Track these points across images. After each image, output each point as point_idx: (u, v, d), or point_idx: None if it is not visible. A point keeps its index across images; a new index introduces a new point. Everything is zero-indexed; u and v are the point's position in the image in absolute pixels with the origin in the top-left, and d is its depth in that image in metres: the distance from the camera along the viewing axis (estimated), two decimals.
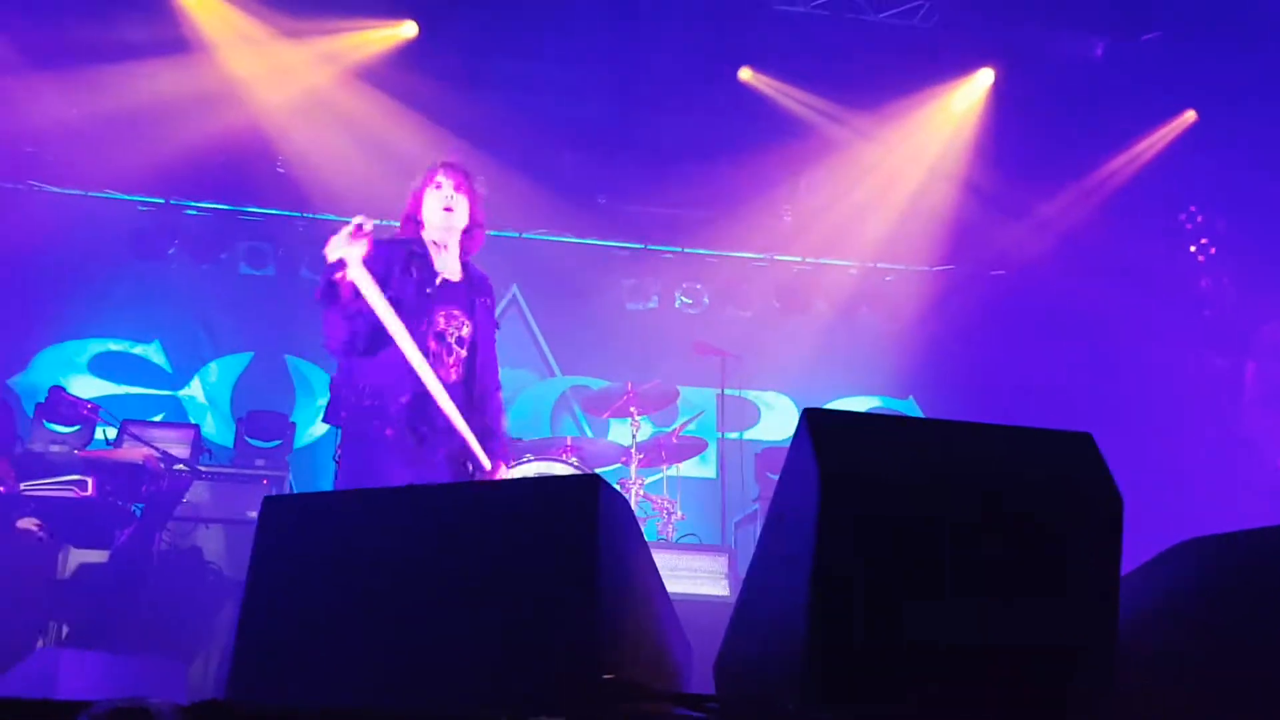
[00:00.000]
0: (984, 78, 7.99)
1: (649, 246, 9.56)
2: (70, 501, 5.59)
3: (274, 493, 6.64)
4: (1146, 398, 8.12)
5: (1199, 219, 8.60)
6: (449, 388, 3.80)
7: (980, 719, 1.90)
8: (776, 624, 1.99)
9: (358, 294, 3.67)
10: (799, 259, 9.62)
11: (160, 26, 7.24)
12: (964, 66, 7.96)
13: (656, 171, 8.72)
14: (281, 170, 8.42)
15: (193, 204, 8.88)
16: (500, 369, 4.15)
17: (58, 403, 6.17)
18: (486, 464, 3.86)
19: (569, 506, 2.06)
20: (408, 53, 7.63)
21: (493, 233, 4.62)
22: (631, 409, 6.99)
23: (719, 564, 6.11)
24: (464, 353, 3.95)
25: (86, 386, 8.31)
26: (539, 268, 9.09)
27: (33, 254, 8.17)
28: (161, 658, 5.34)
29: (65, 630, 5.63)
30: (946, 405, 9.23)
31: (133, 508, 5.88)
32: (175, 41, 7.30)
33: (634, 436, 6.94)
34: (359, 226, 3.65)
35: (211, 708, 1.57)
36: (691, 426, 7.30)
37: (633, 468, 6.80)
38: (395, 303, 3.76)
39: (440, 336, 3.88)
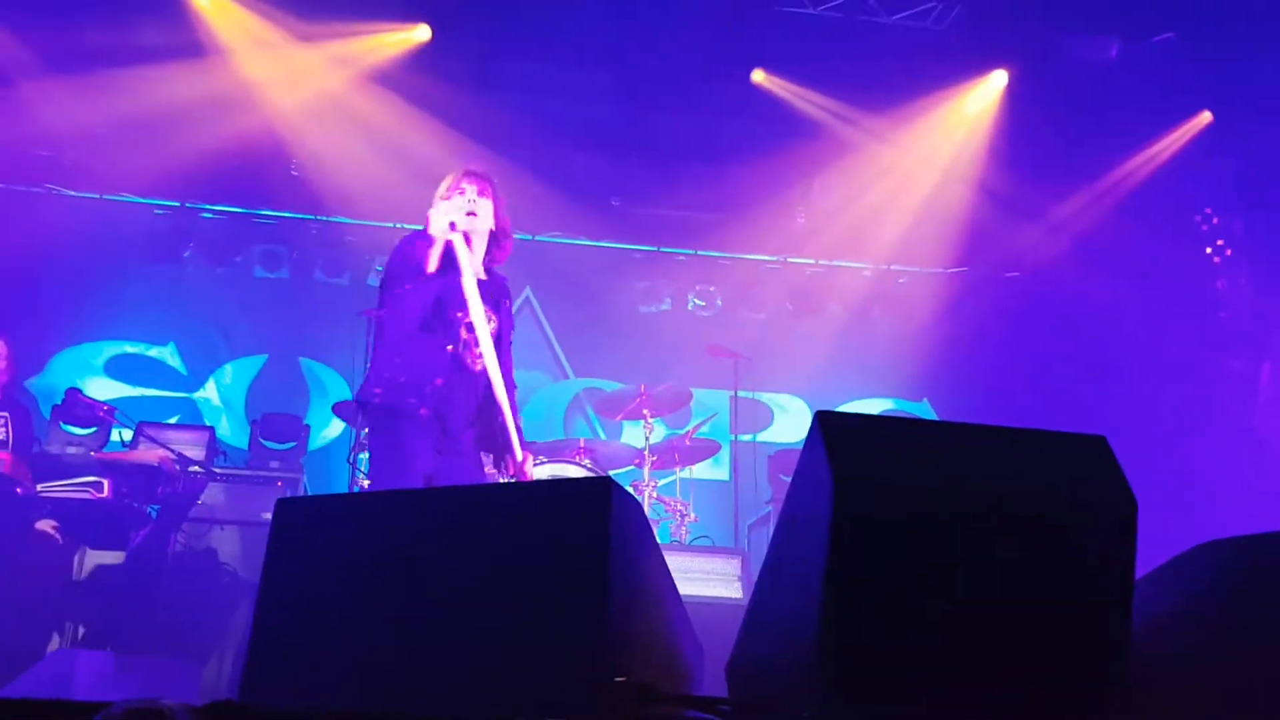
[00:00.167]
0: (997, 79, 7.97)
1: (662, 249, 9.56)
2: (86, 503, 5.63)
3: (288, 495, 6.67)
4: (1161, 400, 8.07)
5: (1215, 221, 8.55)
6: (475, 377, 4.00)
7: None
8: (789, 626, 1.99)
9: (444, 271, 3.93)
10: (812, 261, 9.61)
11: (175, 31, 7.28)
12: (977, 68, 7.94)
13: (670, 174, 8.73)
14: (295, 173, 8.45)
15: (208, 207, 8.92)
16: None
17: (74, 404, 6.21)
18: (520, 455, 4.02)
19: (581, 509, 2.06)
20: (421, 56, 7.65)
21: None
22: (645, 411, 6.99)
23: (732, 566, 6.10)
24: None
25: (102, 388, 8.35)
26: (552, 270, 9.10)
27: (49, 257, 8.22)
28: (176, 658, 5.36)
29: (81, 631, 5.66)
30: (961, 407, 9.20)
31: (148, 509, 5.92)
32: (190, 46, 7.34)
33: (647, 438, 6.94)
34: (453, 224, 3.95)
35: (225, 708, 1.57)
36: (704, 429, 7.30)
37: (646, 470, 6.80)
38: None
39: (470, 328, 4.03)
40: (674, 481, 7.28)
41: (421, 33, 7.58)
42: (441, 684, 2.02)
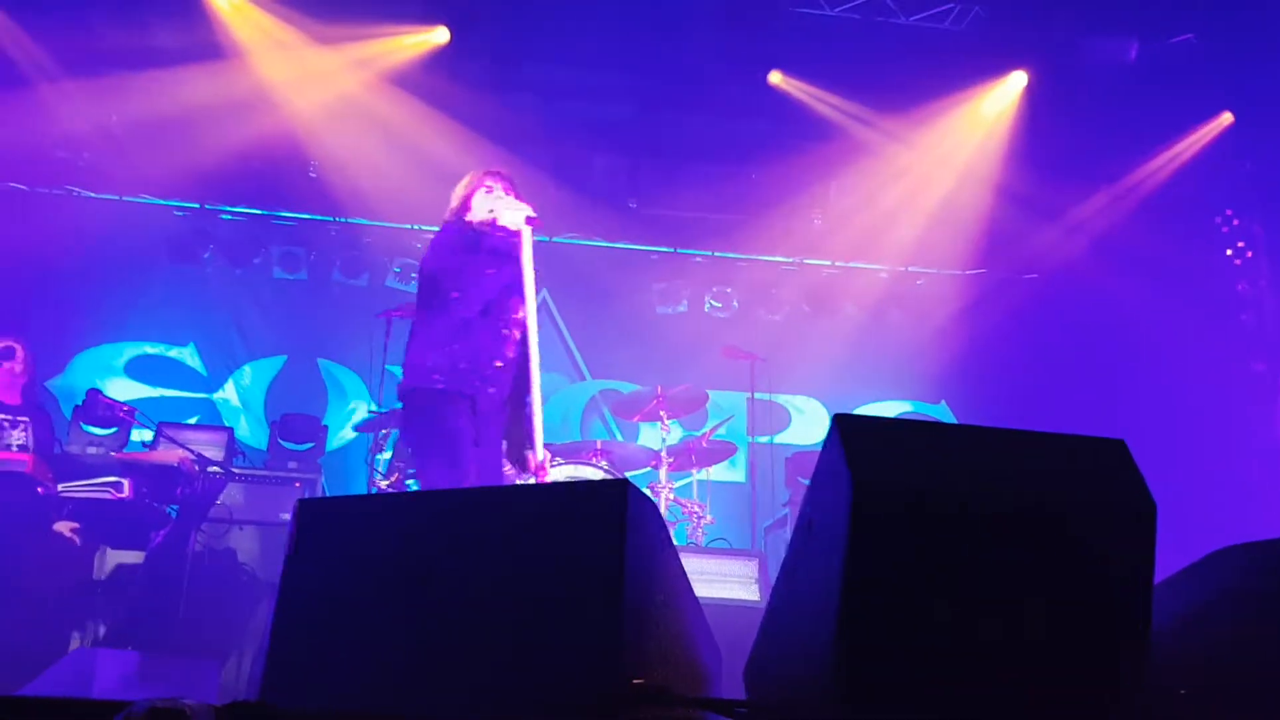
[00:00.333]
0: (1016, 81, 7.94)
1: (679, 250, 9.56)
2: (107, 503, 5.67)
3: (306, 495, 6.70)
4: (1181, 403, 8.02)
5: (1235, 223, 8.50)
6: (515, 364, 4.18)
7: None
8: (807, 629, 1.99)
9: (515, 260, 4.10)
10: (829, 262, 9.59)
11: (194, 33, 7.33)
12: (996, 69, 7.91)
13: (686, 175, 8.73)
14: (314, 175, 8.49)
15: (227, 209, 8.97)
16: None
17: (95, 405, 6.24)
18: (540, 454, 4.14)
19: (597, 511, 2.07)
20: (439, 58, 7.68)
21: None
22: (661, 413, 7.00)
23: (749, 568, 6.09)
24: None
25: (123, 389, 8.41)
26: (569, 271, 9.11)
27: (70, 258, 8.27)
28: (195, 657, 5.39)
29: (101, 630, 5.70)
30: (979, 410, 9.17)
31: (168, 509, 5.95)
32: (209, 48, 7.38)
33: (664, 440, 6.94)
34: (529, 219, 4.11)
35: (246, 708, 1.58)
36: (721, 430, 7.30)
37: (662, 471, 6.79)
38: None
39: (521, 320, 4.24)
40: (690, 483, 7.28)
41: (440, 35, 7.61)
42: (459, 685, 2.03)
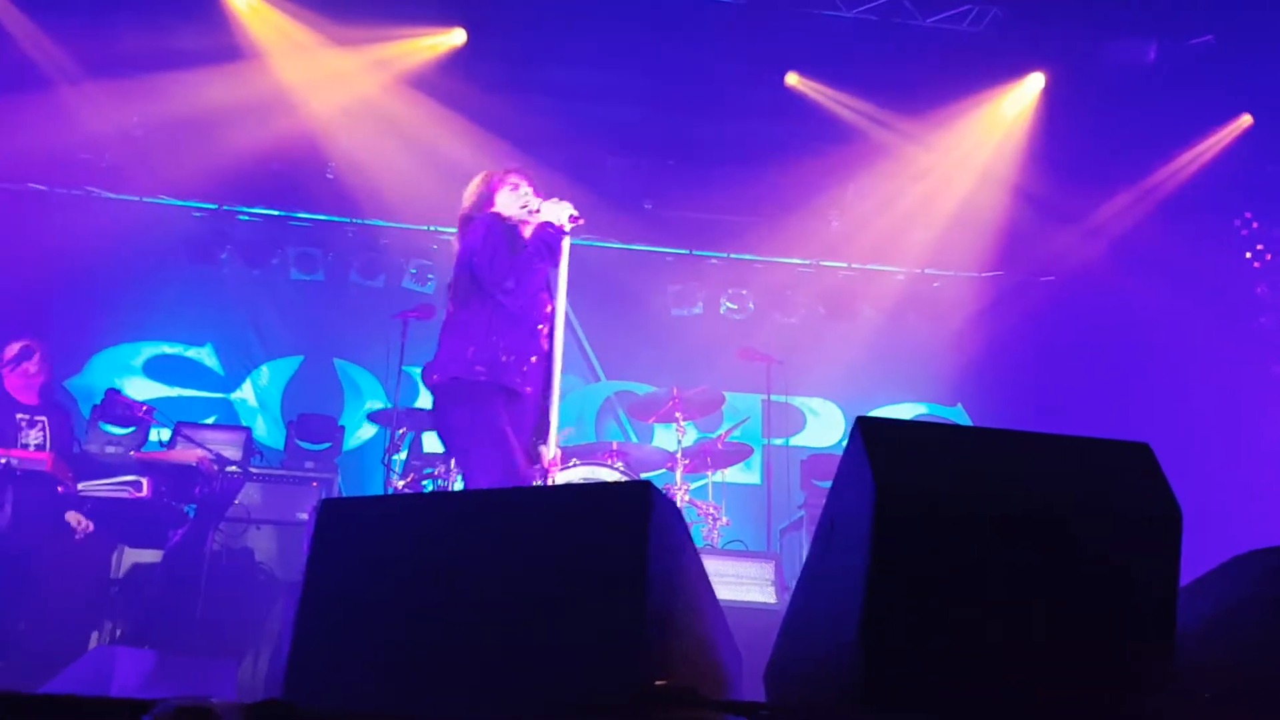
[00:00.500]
0: (1034, 82, 7.91)
1: (695, 252, 9.56)
2: (126, 502, 5.70)
3: (323, 495, 6.73)
4: (1200, 406, 7.98)
5: (1255, 225, 8.46)
6: (543, 360, 4.22)
7: None
8: (829, 631, 1.98)
9: (557, 257, 4.22)
10: (845, 265, 9.57)
11: (213, 35, 7.36)
12: (1014, 71, 7.88)
13: (702, 177, 8.72)
14: (331, 177, 8.52)
15: (245, 210, 9.01)
16: None
17: (113, 404, 6.28)
18: (553, 450, 4.18)
19: (621, 512, 2.07)
20: (456, 60, 7.69)
21: None
22: (677, 414, 6.99)
23: (766, 570, 6.08)
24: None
25: (141, 389, 8.45)
26: (584, 273, 9.05)
27: (89, 259, 8.32)
28: (213, 656, 5.41)
29: (119, 628, 5.73)
30: (995, 413, 9.14)
31: (186, 508, 5.98)
32: (228, 50, 7.41)
33: (679, 442, 6.93)
34: (573, 217, 4.22)
35: (273, 708, 1.59)
36: (737, 432, 7.29)
37: (678, 473, 6.79)
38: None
39: (551, 316, 4.33)
40: (706, 485, 7.28)
41: (456, 36, 7.62)
42: (481, 685, 2.03)
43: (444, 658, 2.08)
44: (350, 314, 9.01)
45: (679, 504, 6.64)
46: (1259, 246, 8.44)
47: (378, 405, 8.61)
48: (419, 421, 6.85)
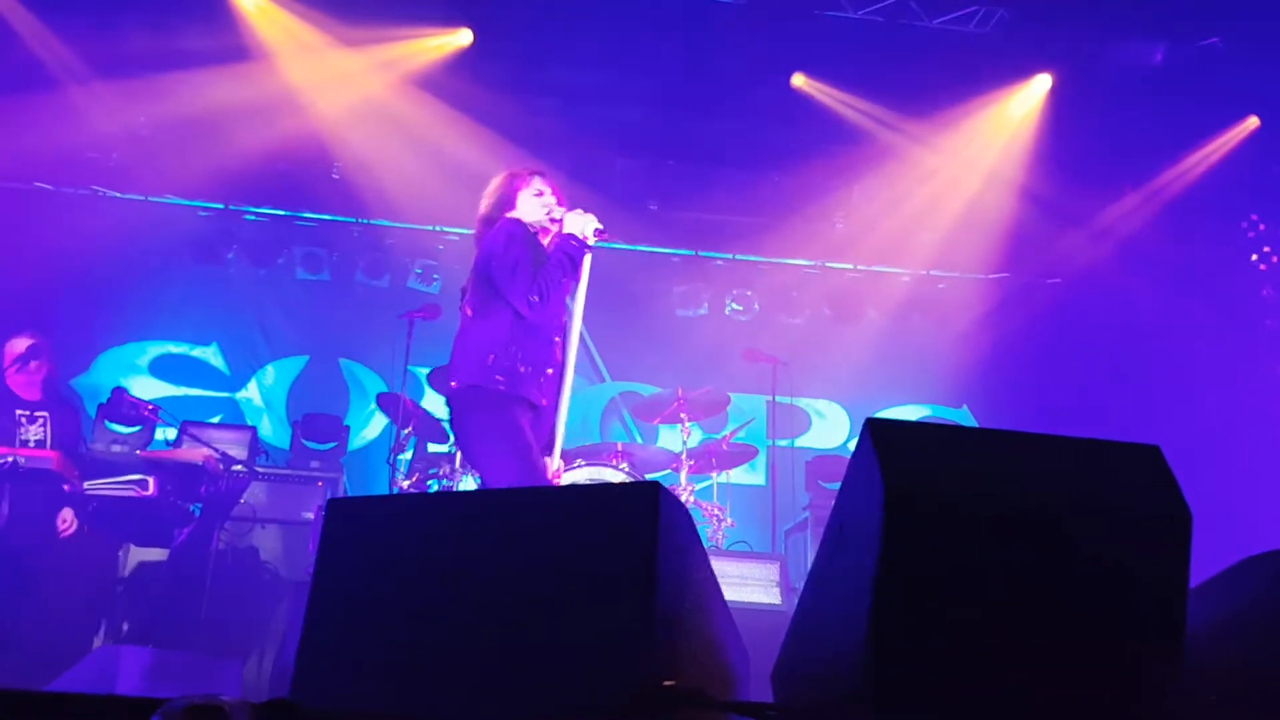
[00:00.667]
0: (1041, 83, 7.90)
1: (700, 253, 9.55)
2: (132, 500, 5.70)
3: (329, 495, 6.74)
4: (1205, 408, 7.97)
5: (1261, 228, 8.44)
6: (558, 371, 4.16)
7: None
8: (838, 633, 1.98)
9: (579, 270, 4.18)
10: (851, 266, 9.56)
11: (220, 35, 7.37)
12: (1021, 72, 7.88)
13: (708, 178, 8.72)
14: (337, 177, 8.53)
15: (251, 209, 9.02)
16: None
17: (119, 403, 6.29)
18: (556, 462, 4.10)
19: (630, 513, 2.07)
20: (462, 60, 7.70)
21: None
22: (682, 415, 6.99)
23: (770, 572, 6.08)
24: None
25: (147, 388, 8.46)
26: (589, 273, 9.10)
27: (95, 258, 8.33)
28: (218, 655, 5.42)
29: (125, 627, 5.74)
30: (1001, 415, 9.13)
31: (192, 507, 5.99)
32: (235, 50, 7.43)
33: (684, 443, 6.93)
34: (599, 231, 4.17)
35: (282, 707, 1.59)
36: (741, 433, 7.28)
37: (683, 474, 6.79)
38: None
39: (565, 327, 4.27)
40: (711, 486, 7.27)
41: (463, 37, 7.63)
42: (489, 685, 2.03)
43: (451, 658, 2.08)
44: (356, 314, 9.01)
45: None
46: (1265, 249, 8.43)
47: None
48: (424, 421, 6.86)
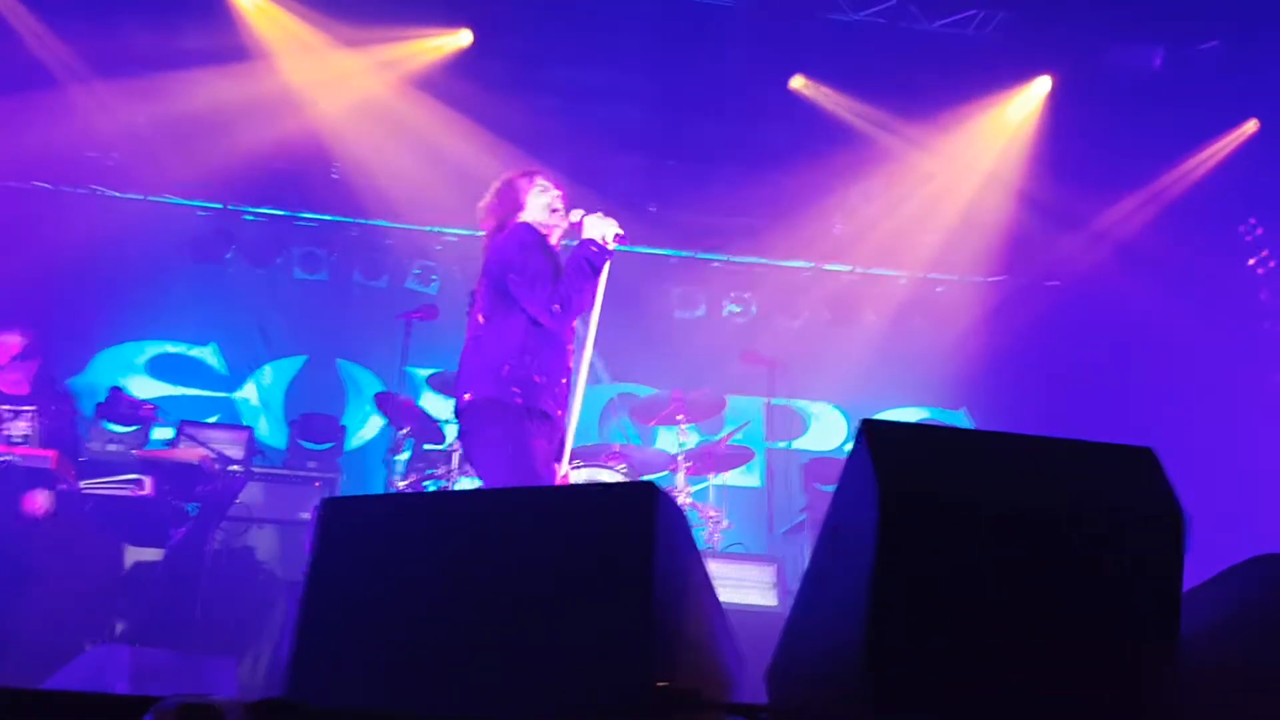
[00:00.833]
0: (1040, 86, 7.90)
1: (698, 255, 9.56)
2: (128, 500, 5.70)
3: (325, 494, 6.73)
4: (1202, 412, 7.97)
5: (1259, 231, 8.45)
6: (572, 380, 4.08)
7: None
8: (833, 635, 1.98)
9: (598, 277, 4.03)
10: (849, 268, 9.57)
11: (220, 35, 7.37)
12: (1020, 75, 7.88)
13: (707, 179, 8.73)
14: (336, 177, 8.54)
15: (250, 209, 9.03)
16: None
17: (117, 403, 6.29)
18: (565, 467, 4.02)
19: (626, 514, 2.07)
20: (462, 60, 7.69)
21: None
22: (679, 417, 6.99)
23: (767, 574, 6.08)
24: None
25: (144, 387, 8.47)
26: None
27: (93, 257, 8.33)
28: (213, 655, 5.42)
29: (120, 626, 5.73)
30: (998, 417, 9.13)
31: (188, 507, 5.98)
32: (235, 50, 7.43)
33: (681, 444, 6.93)
34: (619, 237, 4.03)
35: (276, 705, 1.59)
36: (739, 435, 7.28)
37: (679, 475, 6.79)
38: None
39: (570, 335, 4.15)
40: (707, 488, 7.27)
41: (463, 37, 7.63)
42: (484, 685, 2.03)
43: (445, 658, 2.07)
44: (353, 314, 9.02)
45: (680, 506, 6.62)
46: (1264, 253, 8.43)
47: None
48: (421, 421, 6.85)
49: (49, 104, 7.52)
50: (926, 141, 8.18)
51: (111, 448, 6.51)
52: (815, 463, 7.98)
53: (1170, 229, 8.29)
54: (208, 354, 8.90)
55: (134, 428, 6.54)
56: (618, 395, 9.28)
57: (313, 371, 9.01)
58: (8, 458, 5.36)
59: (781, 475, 8.07)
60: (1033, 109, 8.03)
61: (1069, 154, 8.14)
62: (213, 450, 6.06)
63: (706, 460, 7.11)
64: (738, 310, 9.59)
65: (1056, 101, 7.92)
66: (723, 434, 7.40)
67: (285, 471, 7.02)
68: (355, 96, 7.84)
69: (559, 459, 3.97)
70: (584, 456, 6.60)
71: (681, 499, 6.67)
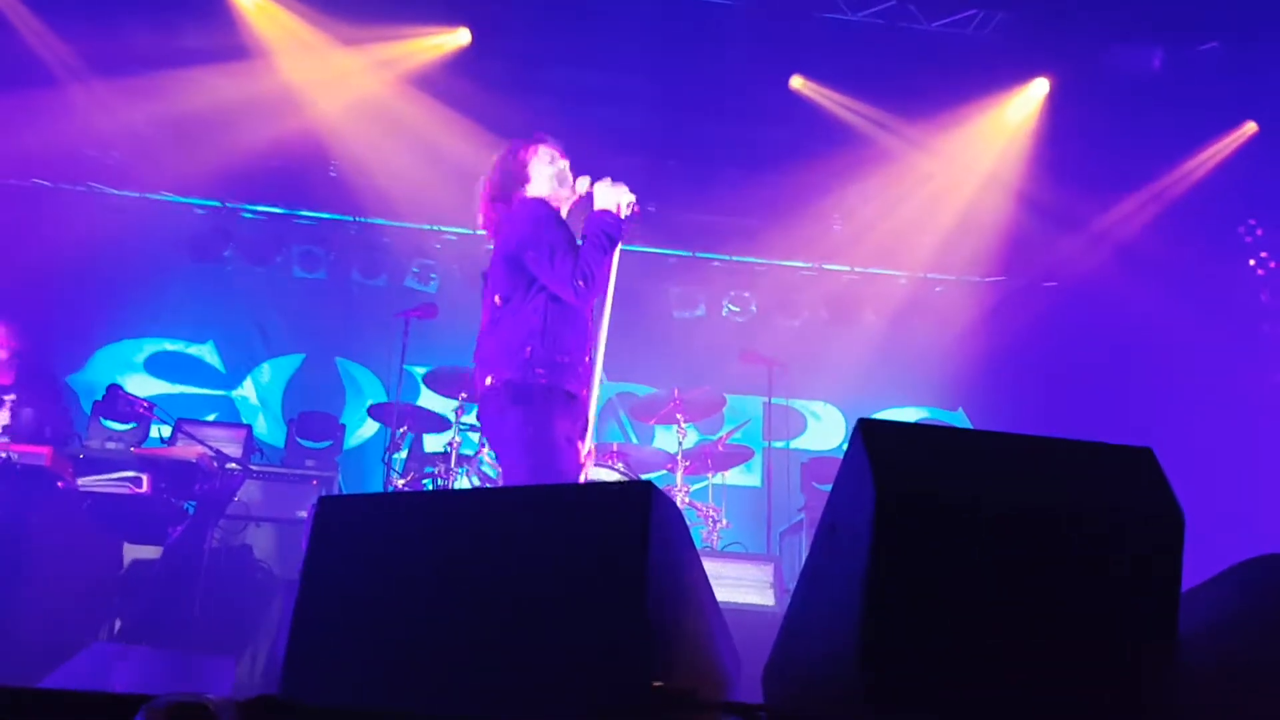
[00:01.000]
0: (1039, 87, 7.90)
1: (698, 254, 9.56)
2: (125, 498, 5.69)
3: (323, 493, 6.73)
4: (1201, 413, 7.97)
5: (1259, 233, 8.45)
6: (593, 358, 3.94)
7: None
8: (828, 634, 1.98)
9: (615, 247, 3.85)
10: (848, 268, 9.57)
11: (219, 34, 7.37)
12: (1019, 76, 7.87)
13: (707, 179, 8.72)
14: (335, 175, 8.54)
15: (248, 207, 9.03)
16: None
17: (115, 400, 6.27)
18: (589, 444, 3.87)
19: (622, 513, 2.06)
20: (461, 60, 7.69)
21: None
22: (678, 416, 6.99)
23: (765, 573, 6.07)
24: None
25: (142, 385, 8.46)
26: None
27: (92, 255, 8.33)
28: (211, 653, 5.41)
29: (118, 624, 5.72)
30: (996, 417, 9.14)
31: (185, 505, 5.98)
32: (234, 48, 7.42)
33: (680, 443, 6.93)
34: (631, 204, 3.87)
35: (268, 704, 1.58)
36: (737, 435, 7.28)
37: (678, 475, 6.78)
38: None
39: (589, 311, 3.99)
40: (706, 487, 7.27)
41: (462, 36, 7.62)
42: (479, 685, 2.02)
43: (441, 657, 2.07)
44: (352, 312, 9.02)
45: (679, 505, 6.62)
46: (1263, 254, 8.44)
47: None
48: (419, 420, 6.85)
49: (49, 102, 7.52)
50: (926, 142, 8.18)
51: (109, 445, 6.50)
52: (814, 462, 7.97)
53: (1170, 230, 8.29)
54: (206, 352, 8.90)
55: (132, 425, 6.53)
56: (616, 394, 9.29)
57: (311, 370, 9.01)
58: (3, 455, 5.36)
59: (780, 474, 8.07)
60: (1032, 109, 8.03)
61: (1068, 155, 8.14)
62: (211, 448, 6.05)
63: (705, 459, 7.11)
64: (737, 310, 9.59)
65: (1056, 102, 7.91)
66: (721, 433, 7.40)
67: (283, 470, 7.01)
68: (354, 95, 7.83)
69: (583, 437, 3.82)
70: None
71: (680, 498, 6.67)
